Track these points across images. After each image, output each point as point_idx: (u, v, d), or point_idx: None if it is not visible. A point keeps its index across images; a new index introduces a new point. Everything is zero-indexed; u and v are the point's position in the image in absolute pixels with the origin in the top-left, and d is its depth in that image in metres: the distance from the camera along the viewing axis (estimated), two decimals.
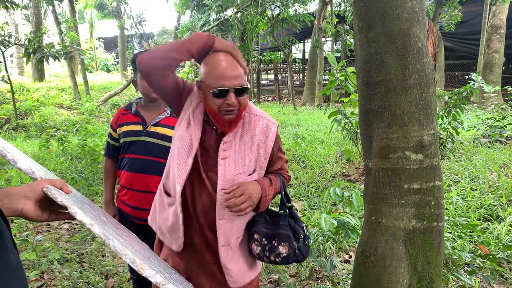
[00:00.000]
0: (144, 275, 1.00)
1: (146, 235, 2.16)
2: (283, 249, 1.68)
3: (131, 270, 2.61)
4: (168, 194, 1.77)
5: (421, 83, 1.88)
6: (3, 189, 1.00)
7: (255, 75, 20.33)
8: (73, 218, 1.01)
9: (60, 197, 0.99)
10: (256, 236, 1.70)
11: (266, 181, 1.72)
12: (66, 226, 4.67)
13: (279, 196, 1.82)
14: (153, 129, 2.36)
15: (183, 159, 1.66)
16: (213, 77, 1.58)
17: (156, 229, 1.86)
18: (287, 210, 1.77)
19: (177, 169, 1.68)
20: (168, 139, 2.35)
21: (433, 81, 1.94)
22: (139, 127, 2.37)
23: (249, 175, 1.69)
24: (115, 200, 2.55)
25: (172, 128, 2.34)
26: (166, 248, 1.83)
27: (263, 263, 1.95)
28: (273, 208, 1.87)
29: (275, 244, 1.69)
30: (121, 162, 2.44)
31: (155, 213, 1.86)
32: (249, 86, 1.71)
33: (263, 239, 1.69)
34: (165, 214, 1.76)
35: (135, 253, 1.04)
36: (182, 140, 1.68)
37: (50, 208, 1.07)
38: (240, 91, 1.60)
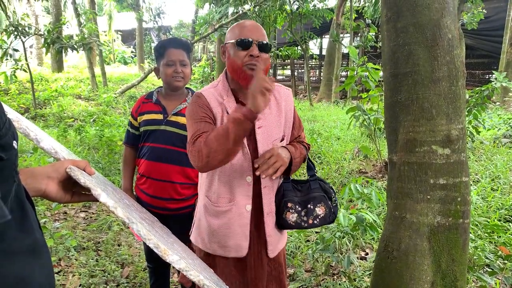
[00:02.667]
0: (167, 261, 0.97)
1: (165, 224, 2.15)
2: (320, 210, 1.76)
3: (149, 259, 2.60)
4: (216, 203, 1.74)
5: (450, 75, 1.83)
6: (27, 168, 0.99)
7: (271, 70, 20.26)
8: (96, 200, 0.98)
9: (83, 179, 0.97)
10: (290, 204, 1.74)
11: (290, 146, 1.76)
12: (82, 214, 4.71)
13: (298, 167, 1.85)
14: (173, 118, 2.33)
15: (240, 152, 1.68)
16: (238, 34, 1.66)
17: (209, 249, 1.79)
18: (315, 174, 1.82)
19: (239, 161, 1.68)
20: None
21: (462, 74, 1.88)
22: (159, 116, 2.35)
23: (280, 141, 1.75)
24: (134, 189, 2.54)
25: None
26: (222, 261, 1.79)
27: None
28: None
29: (311, 207, 1.75)
30: (141, 150, 2.42)
31: (204, 232, 1.79)
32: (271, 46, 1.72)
33: (297, 206, 1.75)
34: (222, 221, 1.72)
35: (159, 238, 1.02)
36: None
37: (73, 189, 1.05)
38: (264, 47, 1.64)
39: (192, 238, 1.89)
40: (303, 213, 1.74)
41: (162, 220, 2.23)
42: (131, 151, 2.52)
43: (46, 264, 0.78)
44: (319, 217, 1.75)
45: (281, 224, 1.76)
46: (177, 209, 2.36)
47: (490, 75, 18.72)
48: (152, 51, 2.51)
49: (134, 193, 2.52)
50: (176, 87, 2.35)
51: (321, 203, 1.76)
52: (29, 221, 0.75)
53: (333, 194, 1.82)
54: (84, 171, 1.04)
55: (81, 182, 0.97)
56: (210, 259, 1.80)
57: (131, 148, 2.51)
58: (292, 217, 1.74)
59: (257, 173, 1.59)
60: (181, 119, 2.33)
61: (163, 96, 2.43)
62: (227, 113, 1.67)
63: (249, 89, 1.45)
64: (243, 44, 1.62)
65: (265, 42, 1.65)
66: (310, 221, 1.74)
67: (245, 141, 1.67)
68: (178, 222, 2.36)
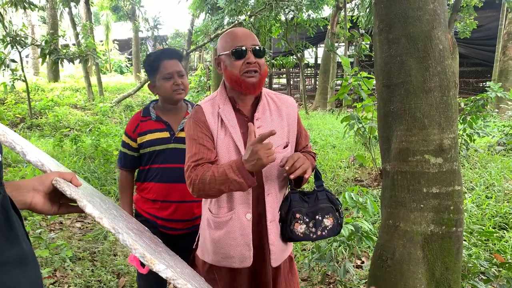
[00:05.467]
0: (154, 270, 0.98)
1: (177, 243, 2.13)
2: (327, 222, 1.72)
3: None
4: (217, 214, 1.73)
5: (442, 85, 1.86)
6: (13, 181, 1.00)
7: (267, 79, 20.34)
8: (83, 211, 0.99)
9: (69, 190, 0.97)
10: (298, 215, 1.70)
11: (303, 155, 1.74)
12: (78, 224, 4.69)
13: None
14: (182, 134, 2.17)
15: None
16: (230, 43, 1.64)
17: (214, 260, 1.77)
18: (323, 184, 1.80)
19: None
20: None
21: (454, 84, 1.91)
22: (166, 134, 2.20)
23: (284, 147, 1.73)
24: (141, 214, 2.33)
25: None
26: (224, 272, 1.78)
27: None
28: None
29: (320, 218, 1.71)
30: (147, 173, 2.24)
31: (208, 244, 1.78)
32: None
33: (305, 217, 1.71)
34: (224, 231, 1.72)
35: (145, 248, 1.02)
36: (228, 151, 1.68)
37: (60, 201, 1.06)
38: (258, 52, 1.64)
39: (198, 252, 1.86)
40: (311, 224, 1.71)
41: (174, 240, 2.16)
42: (128, 175, 2.33)
43: (33, 275, 0.78)
44: (327, 228, 1.72)
45: (289, 236, 1.73)
46: (190, 227, 2.25)
47: (484, 83, 18.89)
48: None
49: (143, 217, 2.31)
50: (178, 100, 2.22)
51: (329, 214, 1.72)
52: (15, 232, 0.76)
53: (340, 205, 1.79)
54: (71, 183, 1.04)
55: (67, 194, 0.97)
56: (216, 271, 1.78)
57: (128, 172, 2.33)
58: (300, 228, 1.70)
59: (285, 174, 1.62)
60: None
61: (162, 112, 2.27)
62: (222, 121, 1.68)
63: (253, 152, 1.47)
64: (239, 53, 1.62)
65: (259, 47, 1.65)
66: (319, 233, 1.71)
67: (242, 150, 1.66)
68: (188, 239, 2.19)
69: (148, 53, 2.31)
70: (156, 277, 2.19)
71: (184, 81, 2.21)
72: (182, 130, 2.19)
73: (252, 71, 1.62)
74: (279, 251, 1.76)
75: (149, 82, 2.31)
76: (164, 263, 1.02)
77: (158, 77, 2.19)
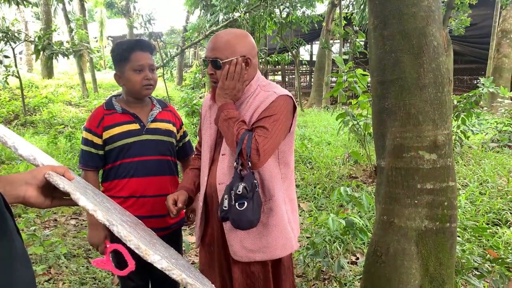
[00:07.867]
0: (149, 261, 0.99)
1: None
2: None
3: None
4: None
5: (436, 82, 1.87)
6: (5, 176, 1.00)
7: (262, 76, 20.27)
8: (76, 204, 0.99)
9: (62, 184, 0.98)
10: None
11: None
12: (73, 222, 4.68)
13: None
14: (153, 125, 2.09)
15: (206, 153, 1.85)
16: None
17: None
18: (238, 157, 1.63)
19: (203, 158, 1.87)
20: (171, 134, 2.16)
21: (448, 80, 1.92)
22: (135, 126, 2.06)
23: None
24: None
25: (171, 122, 2.18)
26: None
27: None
28: None
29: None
30: (118, 169, 2.07)
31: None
32: (222, 61, 1.66)
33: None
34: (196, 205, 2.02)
35: (140, 239, 1.03)
36: (206, 142, 1.86)
37: (53, 195, 1.06)
38: (214, 64, 1.68)
39: None
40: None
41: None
42: (94, 176, 2.13)
43: (26, 272, 0.78)
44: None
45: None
46: (169, 227, 2.15)
47: (478, 80, 18.99)
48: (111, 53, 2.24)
49: None
50: (145, 95, 2.09)
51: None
52: (8, 229, 0.75)
53: (234, 190, 1.58)
54: (64, 177, 1.04)
55: (60, 187, 0.98)
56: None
57: (94, 173, 2.13)
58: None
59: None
60: (162, 125, 2.12)
61: (127, 105, 2.11)
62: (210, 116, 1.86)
63: None
64: (205, 63, 1.76)
65: (213, 59, 1.67)
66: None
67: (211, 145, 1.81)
68: (173, 241, 2.09)
69: (118, 41, 2.23)
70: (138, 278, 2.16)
71: (154, 76, 2.08)
72: (153, 121, 2.10)
73: (213, 81, 1.74)
74: (239, 243, 1.67)
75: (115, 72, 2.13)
76: (159, 254, 1.02)
77: (127, 67, 2.02)
